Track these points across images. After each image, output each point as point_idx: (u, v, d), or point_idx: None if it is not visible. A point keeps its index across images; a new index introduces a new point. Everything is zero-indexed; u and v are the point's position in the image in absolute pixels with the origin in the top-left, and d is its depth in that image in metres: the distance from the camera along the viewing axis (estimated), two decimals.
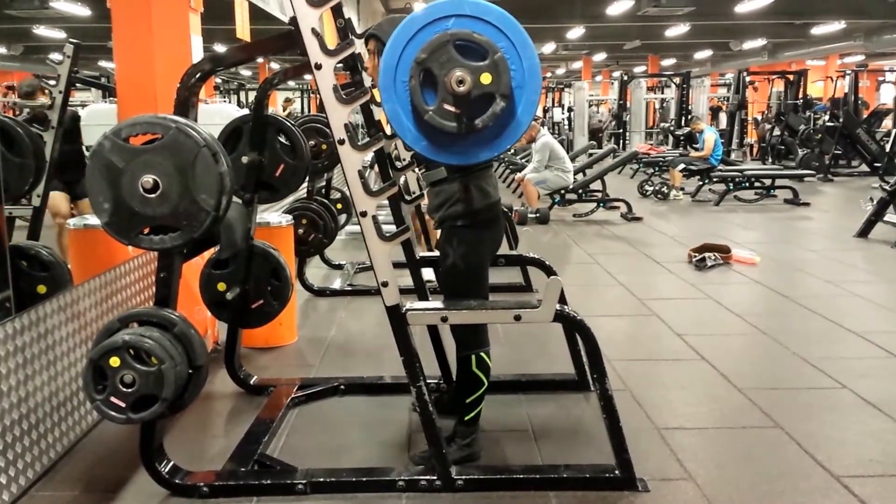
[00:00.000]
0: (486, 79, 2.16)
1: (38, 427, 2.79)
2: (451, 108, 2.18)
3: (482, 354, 2.84)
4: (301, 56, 2.53)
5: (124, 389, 2.42)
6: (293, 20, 2.52)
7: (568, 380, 3.67)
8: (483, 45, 2.16)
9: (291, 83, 21.93)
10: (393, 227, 2.81)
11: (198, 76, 2.77)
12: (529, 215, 9.14)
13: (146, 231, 2.44)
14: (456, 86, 2.15)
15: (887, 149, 13.69)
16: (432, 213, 2.93)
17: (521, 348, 4.34)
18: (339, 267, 6.33)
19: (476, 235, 2.83)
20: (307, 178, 5.62)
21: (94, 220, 3.52)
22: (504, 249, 5.38)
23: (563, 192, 9.41)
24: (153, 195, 2.37)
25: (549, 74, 31.39)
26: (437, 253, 2.94)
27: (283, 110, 18.33)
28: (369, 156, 3.33)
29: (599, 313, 5.15)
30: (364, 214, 2.55)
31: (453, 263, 2.81)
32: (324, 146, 4.50)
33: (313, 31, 2.50)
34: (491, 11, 2.21)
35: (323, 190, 5.97)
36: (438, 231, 2.98)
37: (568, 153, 11.85)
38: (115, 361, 2.42)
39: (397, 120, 2.28)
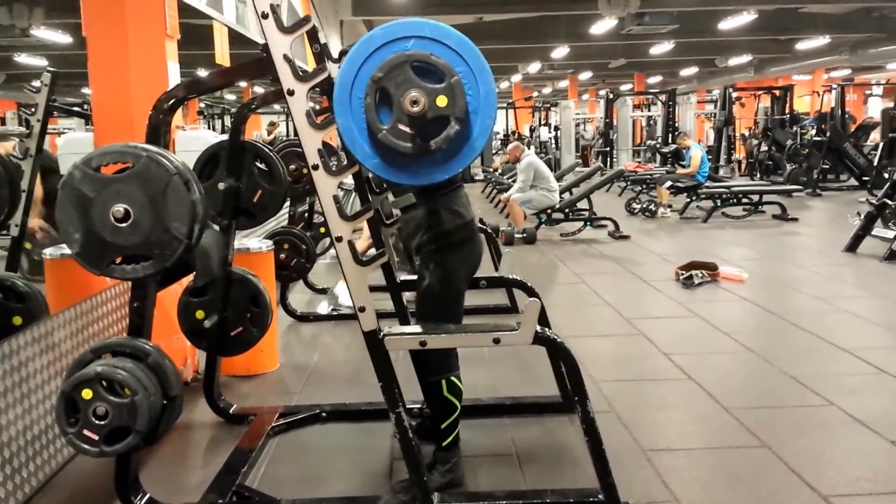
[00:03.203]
0: (441, 101, 2.15)
1: (11, 462, 2.73)
2: (406, 129, 2.17)
3: (452, 379, 2.82)
4: (274, 82, 2.52)
5: (97, 422, 2.38)
6: (265, 47, 2.50)
7: (552, 402, 3.63)
8: (440, 67, 2.15)
9: (276, 107, 21.97)
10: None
11: (171, 103, 2.74)
12: (516, 236, 9.13)
13: (118, 260, 2.41)
14: (410, 106, 2.14)
15: (875, 162, 13.77)
16: (407, 241, 2.91)
17: (506, 370, 4.30)
18: (324, 291, 6.30)
19: (452, 257, 2.82)
20: (289, 203, 5.62)
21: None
22: (490, 270, 5.39)
23: (549, 211, 9.41)
24: (124, 224, 2.34)
25: (535, 94, 31.53)
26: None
27: (268, 134, 18.34)
28: (350, 179, 3.32)
29: (586, 333, 5.12)
30: (339, 239, 2.52)
31: (429, 286, 2.81)
32: (304, 170, 4.48)
33: (285, 57, 2.49)
34: (450, 35, 2.21)
35: (305, 214, 5.95)
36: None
37: (555, 172, 11.88)
38: (87, 393, 2.37)
39: (350, 136, 2.26)
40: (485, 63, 2.22)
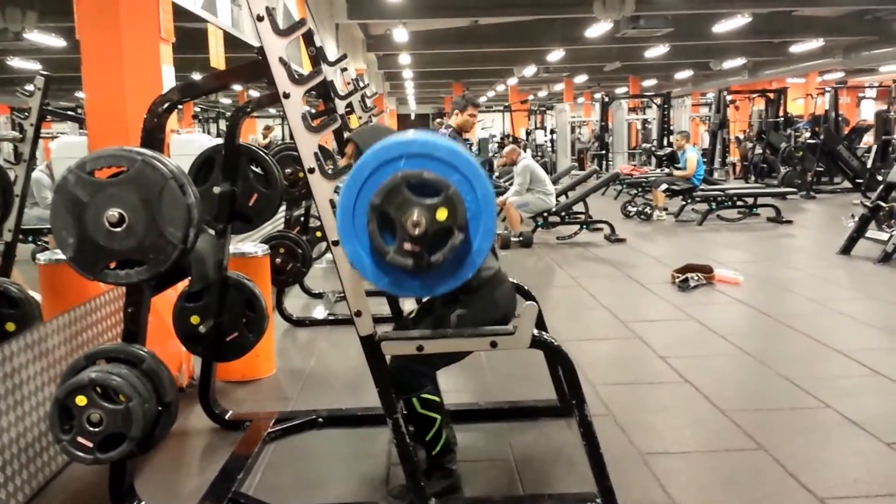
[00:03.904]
0: (442, 214, 2.16)
1: (4, 470, 2.71)
2: (411, 247, 2.18)
3: (423, 396, 2.75)
4: (270, 85, 2.51)
5: (91, 429, 2.36)
6: (260, 50, 2.50)
7: (550, 406, 3.62)
8: (435, 183, 2.16)
9: (272, 110, 21.96)
10: None
11: (165, 106, 2.74)
12: (513, 239, 9.13)
13: (112, 265, 2.39)
14: (412, 229, 2.15)
15: (868, 165, 13.81)
16: (448, 307, 2.79)
17: (503, 374, 4.28)
18: (319, 296, 6.28)
19: (479, 304, 2.72)
20: (285, 207, 5.61)
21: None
22: None
23: (545, 214, 9.41)
24: (119, 229, 2.32)
25: (531, 97, 31.58)
26: None
27: (264, 138, 18.30)
28: None
29: (583, 337, 5.12)
30: (336, 243, 2.50)
31: (445, 315, 2.67)
32: (300, 174, 4.46)
33: (281, 60, 2.48)
34: (439, 148, 2.21)
35: (301, 218, 5.93)
36: None
37: (551, 175, 11.88)
38: (81, 400, 2.35)
39: (359, 261, 2.28)
40: (478, 168, 2.23)
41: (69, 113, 9.30)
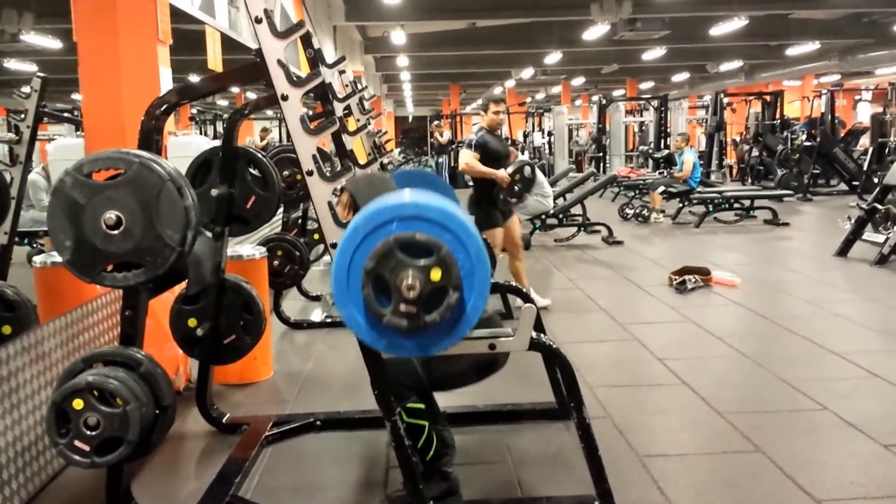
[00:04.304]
0: (436, 275, 2.17)
1: (0, 474, 2.70)
2: (407, 308, 2.18)
3: (408, 406, 2.76)
4: (268, 87, 2.51)
5: (88, 432, 2.36)
6: (259, 52, 2.49)
7: (548, 408, 3.62)
8: (428, 244, 2.17)
9: (269, 112, 21.94)
10: None
11: (163, 108, 2.74)
12: None
13: (110, 268, 2.39)
14: (407, 292, 2.15)
15: (864, 167, 13.83)
16: None
17: (502, 376, 4.26)
18: (317, 298, 6.27)
19: None
20: (282, 210, 5.60)
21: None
22: None
23: (543, 217, 9.41)
24: (116, 231, 2.32)
25: (528, 99, 31.60)
26: None
27: (261, 140, 18.29)
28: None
29: (581, 339, 5.11)
30: (334, 246, 2.50)
31: None
32: (298, 176, 4.44)
33: (279, 62, 2.48)
34: (430, 209, 2.22)
35: (299, 220, 5.93)
36: None
37: (548, 177, 11.89)
38: (78, 403, 2.35)
39: (354, 323, 2.28)
40: (469, 226, 2.25)
41: (66, 115, 9.26)
